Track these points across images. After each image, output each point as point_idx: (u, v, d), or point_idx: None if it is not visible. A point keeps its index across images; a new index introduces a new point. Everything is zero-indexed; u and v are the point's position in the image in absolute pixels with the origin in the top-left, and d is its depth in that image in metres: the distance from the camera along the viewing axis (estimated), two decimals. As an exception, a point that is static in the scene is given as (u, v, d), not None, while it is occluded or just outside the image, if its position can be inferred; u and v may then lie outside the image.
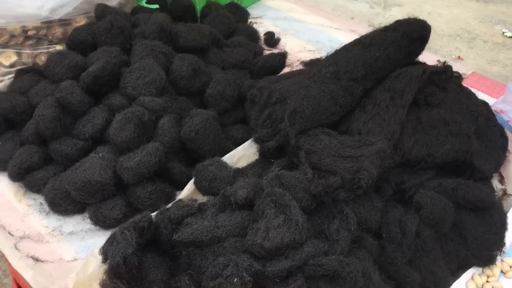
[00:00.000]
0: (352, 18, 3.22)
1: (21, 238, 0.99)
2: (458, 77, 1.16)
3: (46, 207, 1.05)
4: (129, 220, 0.89)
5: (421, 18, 1.11)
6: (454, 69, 1.40)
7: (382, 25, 1.10)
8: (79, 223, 1.03)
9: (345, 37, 1.64)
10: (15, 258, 0.96)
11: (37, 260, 0.96)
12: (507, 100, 1.17)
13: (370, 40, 1.02)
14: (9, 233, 1.01)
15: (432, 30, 1.10)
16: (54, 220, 1.03)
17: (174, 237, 0.84)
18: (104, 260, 0.82)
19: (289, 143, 0.96)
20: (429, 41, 1.12)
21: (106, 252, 0.82)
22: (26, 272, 0.93)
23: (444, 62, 1.11)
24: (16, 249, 0.97)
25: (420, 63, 1.11)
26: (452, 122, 0.95)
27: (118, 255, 0.79)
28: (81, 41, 1.24)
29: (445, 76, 1.03)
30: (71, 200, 1.01)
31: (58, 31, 1.30)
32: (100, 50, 1.19)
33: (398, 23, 1.05)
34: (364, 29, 1.68)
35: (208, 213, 0.89)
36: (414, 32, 1.03)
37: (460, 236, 0.90)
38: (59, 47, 1.32)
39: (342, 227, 0.84)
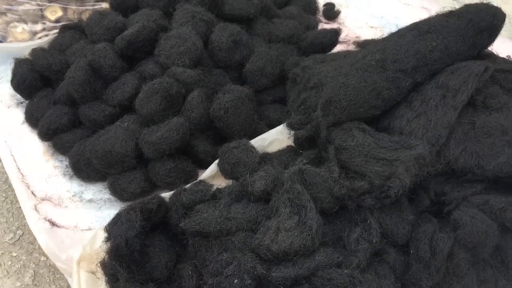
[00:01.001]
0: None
1: (42, 199, 0.99)
2: None
3: (71, 170, 1.04)
4: (141, 198, 0.86)
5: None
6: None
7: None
8: (100, 191, 1.01)
9: (414, 15, 1.48)
10: (33, 219, 0.96)
11: (53, 224, 0.95)
12: None
13: (428, 27, 0.88)
14: (32, 192, 1.01)
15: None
16: (76, 185, 1.02)
17: (180, 224, 0.80)
18: (107, 239, 0.78)
19: (320, 135, 0.87)
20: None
21: (109, 231, 0.79)
22: (41, 235, 0.93)
23: None
24: (36, 210, 0.97)
25: (488, 55, 0.96)
26: (511, 131, 0.82)
27: (120, 236, 0.76)
28: (124, 1, 1.19)
29: (513, 75, 0.88)
30: (93, 168, 0.99)
31: (103, -11, 1.26)
32: (141, 12, 1.14)
33: (465, 9, 0.90)
34: (438, 7, 1.51)
35: (222, 201, 0.83)
36: (483, 21, 0.88)
37: (502, 263, 0.79)
38: (105, 5, 1.29)
39: (363, 238, 0.75)
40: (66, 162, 1.06)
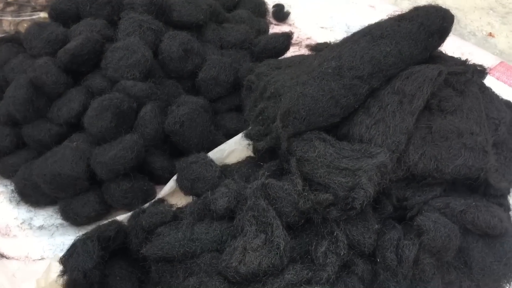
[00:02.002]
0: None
1: (-13, 229, 0.92)
2: (482, 72, 1.02)
3: (17, 195, 0.97)
4: (95, 225, 0.81)
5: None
6: (481, 54, 1.26)
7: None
8: (50, 216, 0.95)
9: (362, 14, 1.50)
10: (-21, 252, 0.89)
11: (2, 256, 0.89)
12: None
13: (381, 32, 0.88)
14: (-25, 223, 0.94)
15: (463, 2, 0.95)
16: (24, 212, 0.96)
17: (141, 251, 0.76)
18: (63, 272, 0.74)
19: (280, 146, 0.85)
20: (458, 15, 0.98)
21: (65, 263, 0.74)
22: (-12, 269, 0.86)
23: (466, 61, 0.96)
24: (-19, 242, 0.90)
25: (438, 56, 0.97)
26: (467, 133, 0.83)
27: (78, 268, 0.71)
28: (64, 10, 1.12)
29: (464, 78, 0.89)
30: (42, 192, 0.93)
31: (41, -2, 1.18)
32: (83, 22, 1.07)
33: (416, 12, 0.91)
34: (384, 5, 1.52)
35: (184, 222, 0.80)
36: (433, 24, 0.89)
37: (465, 265, 0.80)
38: (43, 15, 1.21)
39: (331, 251, 0.74)
40: (11, 186, 0.99)
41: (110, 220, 0.82)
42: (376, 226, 0.78)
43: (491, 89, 0.97)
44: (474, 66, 0.97)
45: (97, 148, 0.91)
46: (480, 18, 2.83)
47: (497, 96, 0.97)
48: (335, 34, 1.43)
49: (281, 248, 0.71)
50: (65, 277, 0.73)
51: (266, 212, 0.75)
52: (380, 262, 0.77)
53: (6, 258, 0.88)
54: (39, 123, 0.97)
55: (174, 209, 0.84)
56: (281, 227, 0.73)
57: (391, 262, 0.75)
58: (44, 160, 0.90)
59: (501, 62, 1.33)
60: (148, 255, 0.75)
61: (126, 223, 0.83)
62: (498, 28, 2.09)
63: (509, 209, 0.89)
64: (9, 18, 1.19)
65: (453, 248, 0.77)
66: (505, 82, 1.26)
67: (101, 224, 0.80)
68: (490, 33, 2.65)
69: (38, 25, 1.07)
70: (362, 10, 1.51)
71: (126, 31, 1.04)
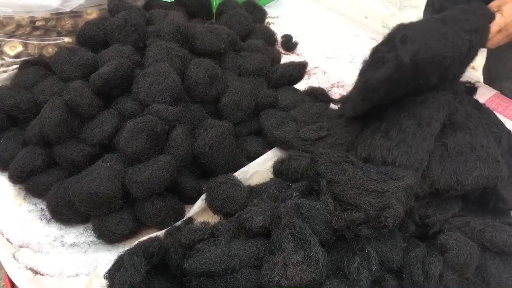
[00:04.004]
0: (366, 17, 3.14)
1: (20, 246, 0.94)
2: (472, 88, 1.11)
3: (47, 213, 1.00)
4: (137, 241, 0.85)
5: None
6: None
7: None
8: (81, 234, 0.98)
9: (365, 45, 1.58)
10: (13, 269, 0.91)
11: (36, 272, 0.91)
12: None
13: None
14: (8, 240, 0.96)
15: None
16: (56, 229, 0.98)
17: (185, 266, 0.79)
18: (110, 286, 0.77)
19: (309, 164, 0.91)
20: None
21: (112, 277, 0.77)
22: (24, 285, 0.88)
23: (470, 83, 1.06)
24: (15, 259, 0.92)
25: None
26: (478, 146, 0.91)
27: (126, 283, 0.74)
28: (92, 36, 1.17)
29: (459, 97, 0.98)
30: (74, 210, 0.96)
31: (68, 23, 1.23)
32: (112, 48, 1.12)
33: None
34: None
35: (221, 239, 0.84)
36: None
37: (483, 281, 0.86)
38: (67, 39, 1.25)
39: (363, 266, 0.80)
40: (40, 205, 1.01)
41: (152, 236, 0.85)
42: (403, 244, 0.84)
43: (485, 105, 1.05)
44: (463, 83, 1.06)
45: (131, 168, 0.95)
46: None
47: (491, 111, 1.06)
48: (340, 64, 1.52)
49: (320, 264, 0.76)
50: (111, 291, 0.76)
51: (303, 230, 0.80)
52: (407, 278, 0.82)
53: (41, 274, 0.90)
54: (72, 143, 1.01)
55: (210, 227, 0.88)
56: (318, 243, 0.79)
57: (418, 278, 0.81)
58: (79, 179, 0.94)
59: (495, 94, 1.42)
60: (191, 270, 0.79)
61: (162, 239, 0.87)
62: (480, 62, 2.22)
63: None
64: (35, 42, 1.22)
65: (474, 265, 0.84)
66: (501, 113, 1.35)
67: (141, 240, 0.84)
68: (473, 66, 2.79)
69: (68, 50, 1.12)
70: (365, 42, 1.60)
71: (154, 57, 1.10)
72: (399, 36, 0.91)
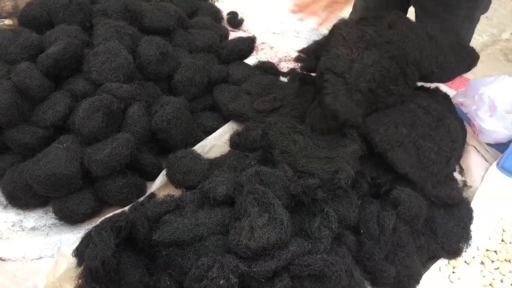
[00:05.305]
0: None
1: (-22, 234, 0.92)
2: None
3: (3, 199, 0.98)
4: (102, 218, 0.85)
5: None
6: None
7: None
8: (41, 218, 0.97)
9: (309, 20, 1.62)
10: (-27, 257, 0.89)
11: (-2, 259, 0.89)
12: (468, 95, 1.21)
13: None
14: (-36, 229, 0.93)
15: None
16: (13, 215, 0.96)
17: (154, 237, 0.81)
18: (80, 263, 0.77)
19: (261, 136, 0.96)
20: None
21: (81, 254, 0.77)
22: (-13, 272, 0.87)
23: None
24: (-26, 247, 0.90)
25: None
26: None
27: (97, 258, 0.75)
28: (36, 17, 1.13)
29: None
30: (32, 193, 0.95)
31: (8, 5, 1.18)
32: (58, 28, 1.10)
33: None
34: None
35: (187, 210, 0.86)
36: None
37: (431, 231, 0.94)
38: (8, 22, 1.21)
39: (324, 225, 0.84)
40: (-5, 191, 0.99)
41: (118, 211, 0.86)
42: (358, 201, 0.90)
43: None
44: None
45: (89, 147, 0.94)
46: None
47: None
48: (286, 39, 1.55)
49: (285, 224, 0.80)
50: (81, 268, 0.76)
51: (265, 194, 0.83)
52: (364, 233, 0.88)
53: (3, 260, 0.89)
54: (24, 127, 0.98)
55: (174, 199, 0.90)
56: (281, 205, 0.82)
57: (374, 231, 0.87)
58: (36, 161, 0.92)
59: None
60: (161, 240, 0.80)
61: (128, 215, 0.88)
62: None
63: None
64: (-27, 25, 1.17)
65: (423, 216, 0.91)
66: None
67: (107, 216, 0.84)
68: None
69: (11, 31, 1.08)
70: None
71: (103, 36, 1.08)
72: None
